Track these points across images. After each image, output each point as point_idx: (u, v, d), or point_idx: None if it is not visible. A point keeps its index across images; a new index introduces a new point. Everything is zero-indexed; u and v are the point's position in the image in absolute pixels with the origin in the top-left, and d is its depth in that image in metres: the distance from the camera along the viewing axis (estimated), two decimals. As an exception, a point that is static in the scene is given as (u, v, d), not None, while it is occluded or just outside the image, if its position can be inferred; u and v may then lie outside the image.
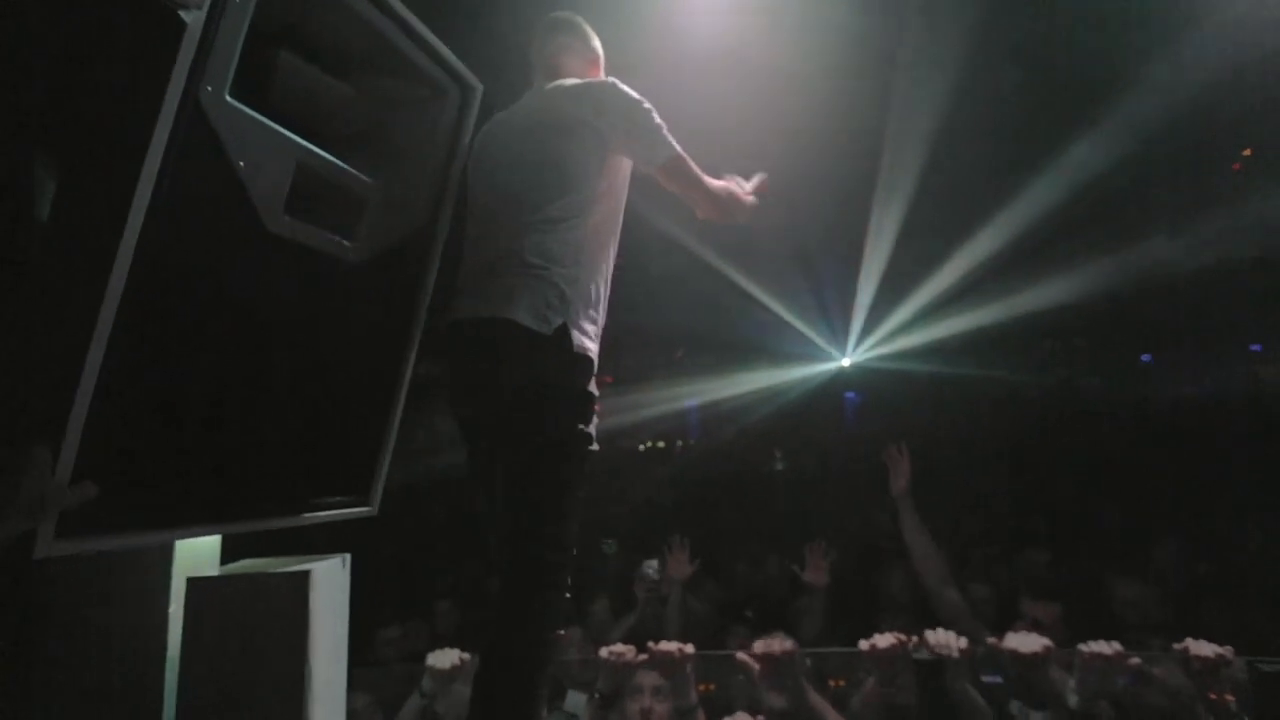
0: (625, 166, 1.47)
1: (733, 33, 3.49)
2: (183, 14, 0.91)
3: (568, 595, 1.23)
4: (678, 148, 1.42)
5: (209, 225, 1.04)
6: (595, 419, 1.32)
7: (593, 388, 1.33)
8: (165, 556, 1.28)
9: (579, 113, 1.39)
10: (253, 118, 1.06)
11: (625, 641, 2.18)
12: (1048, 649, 1.69)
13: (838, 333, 8.02)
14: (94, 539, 0.94)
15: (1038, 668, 1.69)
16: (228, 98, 1.02)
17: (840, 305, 7.14)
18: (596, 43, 1.66)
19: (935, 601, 2.37)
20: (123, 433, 0.96)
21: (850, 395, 9.97)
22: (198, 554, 1.39)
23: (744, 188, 1.58)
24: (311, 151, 1.18)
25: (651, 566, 2.95)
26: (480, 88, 1.55)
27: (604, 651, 1.81)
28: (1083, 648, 1.68)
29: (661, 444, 9.64)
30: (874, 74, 3.68)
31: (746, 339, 8.45)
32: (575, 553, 1.25)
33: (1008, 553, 3.57)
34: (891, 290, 6.42)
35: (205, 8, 0.95)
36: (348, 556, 1.44)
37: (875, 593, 2.96)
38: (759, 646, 1.88)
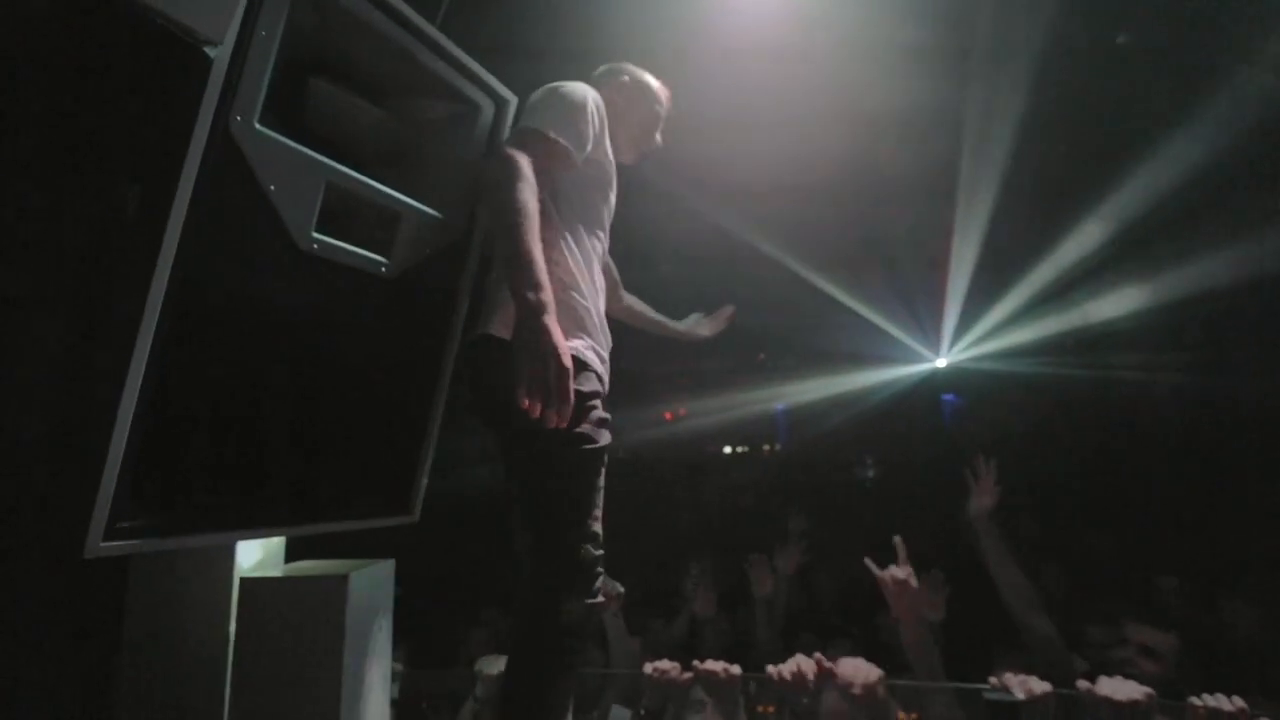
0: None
1: (799, 20, 3.36)
2: (207, 50, 0.97)
3: (580, 599, 1.19)
4: (544, 126, 1.30)
5: (242, 246, 1.10)
6: (591, 414, 1.26)
7: (580, 384, 1.24)
8: (228, 557, 1.37)
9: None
10: (282, 143, 1.12)
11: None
12: (1149, 697, 1.47)
13: (929, 332, 7.57)
14: (139, 541, 1.01)
15: (1136, 720, 1.46)
16: (257, 125, 1.07)
17: (930, 303, 6.72)
18: (630, 75, 1.69)
19: (1024, 634, 2.13)
20: (161, 441, 1.03)
21: (948, 398, 9.38)
22: (262, 555, 1.48)
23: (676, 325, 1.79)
24: (342, 172, 1.22)
25: (697, 567, 2.87)
26: (514, 100, 1.56)
27: (649, 667, 1.76)
28: (1196, 700, 1.45)
29: (744, 449, 9.45)
30: (956, 55, 3.42)
31: (831, 342, 8.15)
32: (586, 552, 1.21)
33: (1125, 578, 3.19)
34: (988, 285, 5.96)
35: (232, 41, 1.01)
36: (392, 561, 1.49)
37: (981, 618, 2.71)
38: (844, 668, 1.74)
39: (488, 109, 1.52)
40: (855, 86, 3.53)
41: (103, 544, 0.96)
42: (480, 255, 1.52)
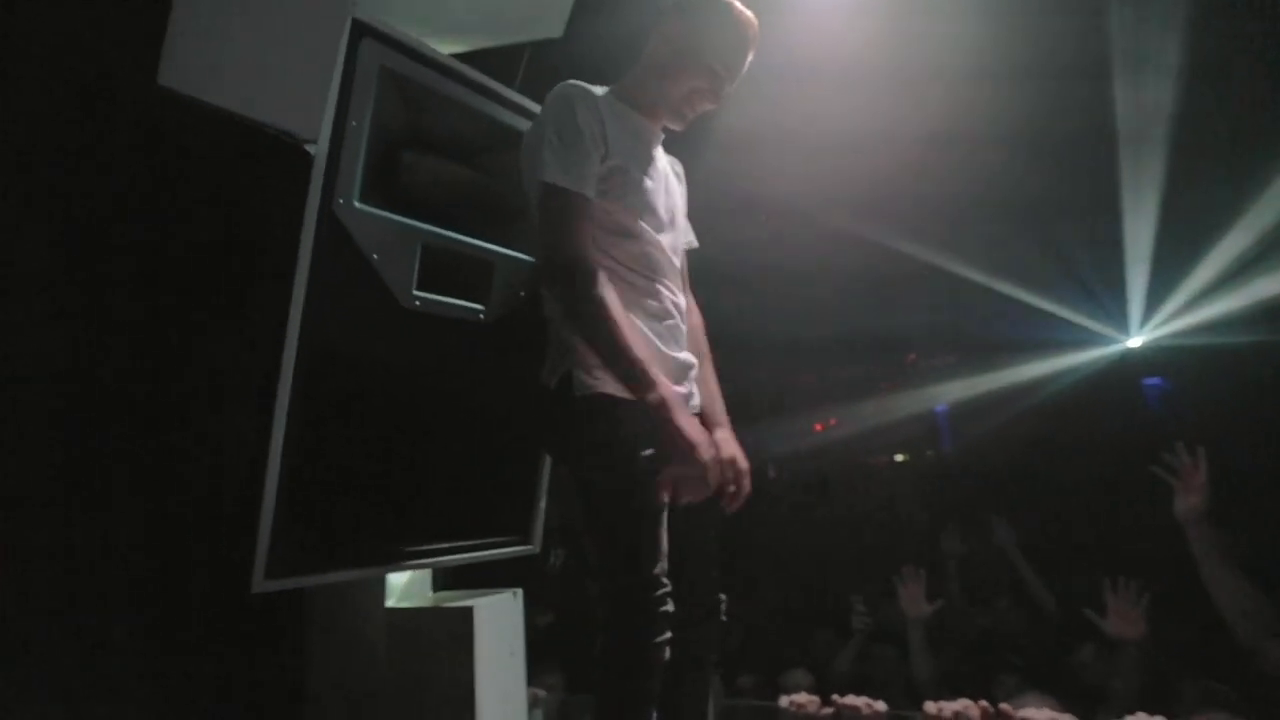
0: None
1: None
2: (307, 147, 1.12)
3: (639, 642, 1.13)
4: (554, 177, 1.17)
5: (356, 310, 1.24)
6: (629, 455, 1.16)
7: (619, 423, 1.17)
8: (377, 589, 1.52)
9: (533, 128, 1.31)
10: (380, 216, 1.26)
11: (852, 683, 1.98)
12: None
13: (1111, 308, 6.57)
14: (295, 578, 1.15)
15: None
16: (357, 204, 1.21)
17: (1106, 275, 5.84)
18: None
19: (1257, 661, 1.74)
20: (307, 487, 1.17)
21: (1152, 382, 8.05)
22: (410, 586, 1.63)
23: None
24: (435, 233, 1.34)
25: (859, 601, 2.66)
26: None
27: (784, 700, 1.67)
28: None
29: (902, 456, 8.78)
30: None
31: (990, 334, 7.38)
32: (641, 577, 1.13)
33: None
34: (1181, 241, 5.05)
35: (328, 136, 1.16)
36: (519, 590, 1.57)
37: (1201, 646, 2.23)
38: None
39: (566, 151, 1.60)
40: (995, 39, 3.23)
41: (266, 580, 1.11)
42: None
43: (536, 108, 1.55)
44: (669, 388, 1.13)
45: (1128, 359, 7.44)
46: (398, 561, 1.37)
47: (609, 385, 1.19)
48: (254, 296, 1.22)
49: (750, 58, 1.33)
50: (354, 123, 1.21)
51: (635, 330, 1.17)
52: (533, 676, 2.53)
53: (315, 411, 1.18)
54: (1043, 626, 2.88)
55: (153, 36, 0.93)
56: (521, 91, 1.60)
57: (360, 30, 1.22)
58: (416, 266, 1.31)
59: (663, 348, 1.26)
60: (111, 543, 1.19)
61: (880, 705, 1.57)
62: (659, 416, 1.11)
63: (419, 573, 1.66)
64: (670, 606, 1.15)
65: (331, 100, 1.16)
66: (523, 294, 1.50)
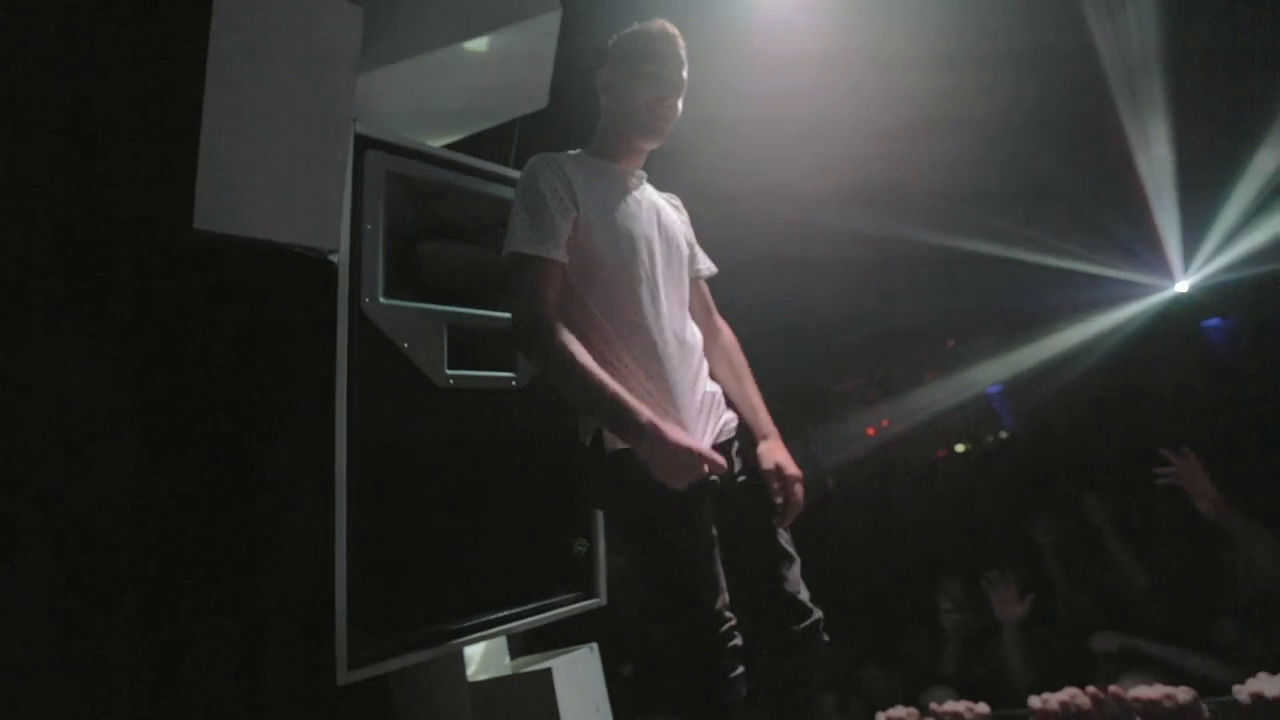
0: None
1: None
2: (331, 257, 1.21)
3: (715, 679, 1.11)
4: (517, 246, 1.19)
5: (396, 397, 1.31)
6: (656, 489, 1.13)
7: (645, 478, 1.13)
8: (457, 664, 1.54)
9: None
10: (405, 307, 1.33)
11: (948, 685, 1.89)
12: None
13: (1150, 255, 6.33)
14: (376, 665, 1.19)
15: None
16: (382, 300, 1.30)
17: (1134, 223, 5.65)
18: (617, 41, 1.38)
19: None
20: (378, 575, 1.22)
21: (1214, 322, 7.68)
22: (487, 656, 1.65)
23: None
24: (458, 313, 1.42)
25: (950, 595, 2.56)
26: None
27: (881, 717, 1.61)
28: None
29: (963, 446, 8.49)
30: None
31: (1029, 305, 7.18)
32: (702, 613, 1.13)
33: None
34: (1207, 173, 4.86)
35: (347, 244, 1.25)
36: (595, 645, 1.58)
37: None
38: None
39: (568, 213, 1.67)
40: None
41: (350, 671, 1.15)
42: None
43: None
44: (649, 413, 1.10)
45: (1179, 304, 7.14)
46: (470, 634, 1.40)
47: None
48: (301, 403, 1.30)
49: (682, 53, 1.34)
50: (369, 226, 1.30)
51: (596, 372, 1.14)
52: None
53: (371, 500, 1.23)
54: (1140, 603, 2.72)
55: (177, 179, 1.03)
56: (517, 164, 1.69)
57: (364, 143, 1.32)
58: (445, 347, 1.38)
59: (654, 382, 1.23)
60: (194, 656, 1.25)
61: (982, 708, 1.50)
62: (651, 438, 1.08)
63: (494, 643, 1.68)
64: (738, 640, 1.14)
65: (347, 210, 1.25)
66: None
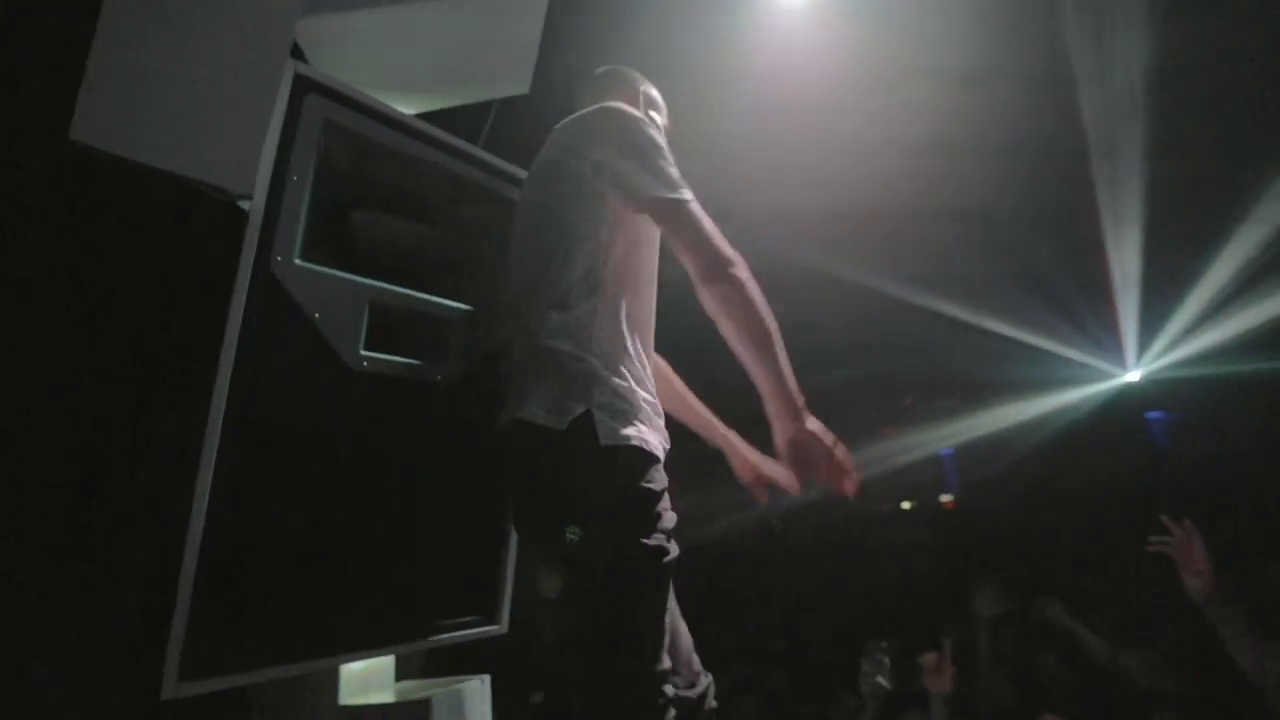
0: (599, 211, 1.19)
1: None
2: (241, 203, 1.06)
3: None
4: (679, 186, 1.14)
5: (297, 373, 1.15)
6: (663, 519, 1.06)
7: (651, 481, 1.07)
8: (329, 684, 1.37)
9: (568, 147, 1.21)
10: (324, 273, 1.18)
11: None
12: None
13: (1105, 343, 6.53)
14: (215, 679, 1.02)
15: None
16: (298, 261, 1.14)
17: (1096, 308, 5.82)
18: (644, 85, 1.47)
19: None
20: (233, 572, 1.05)
21: (1154, 415, 7.94)
22: (368, 677, 1.47)
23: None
24: (385, 289, 1.27)
25: (878, 650, 2.46)
26: (552, 189, 1.58)
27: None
28: None
29: (908, 504, 8.55)
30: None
31: (988, 373, 7.31)
32: (660, 689, 1.00)
33: None
34: (1172, 269, 5.03)
35: (265, 192, 1.10)
36: (487, 677, 1.42)
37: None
38: None
39: (528, 203, 1.55)
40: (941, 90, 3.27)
41: (180, 683, 0.98)
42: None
43: (498, 162, 1.52)
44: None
45: (1128, 393, 7.36)
46: (343, 652, 1.23)
47: (646, 436, 1.08)
48: (186, 363, 1.13)
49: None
50: (295, 178, 1.15)
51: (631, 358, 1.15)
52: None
53: (246, 485, 1.07)
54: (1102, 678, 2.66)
55: (69, 90, 0.87)
56: (489, 146, 1.57)
57: (304, 85, 1.18)
58: (365, 325, 1.23)
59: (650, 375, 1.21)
60: (20, 649, 1.06)
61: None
62: (806, 415, 1.09)
63: (382, 663, 1.51)
64: (677, 704, 1.02)
65: (269, 155, 1.11)
66: (482, 349, 1.42)
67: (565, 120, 1.28)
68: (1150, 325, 5.90)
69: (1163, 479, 6.33)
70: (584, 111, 1.26)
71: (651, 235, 1.24)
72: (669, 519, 1.08)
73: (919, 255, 4.83)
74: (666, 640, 1.06)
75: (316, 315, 1.16)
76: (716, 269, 1.11)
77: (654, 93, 1.50)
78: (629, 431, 1.07)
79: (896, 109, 3.29)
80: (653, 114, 1.44)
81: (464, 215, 1.50)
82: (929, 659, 2.30)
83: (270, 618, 1.10)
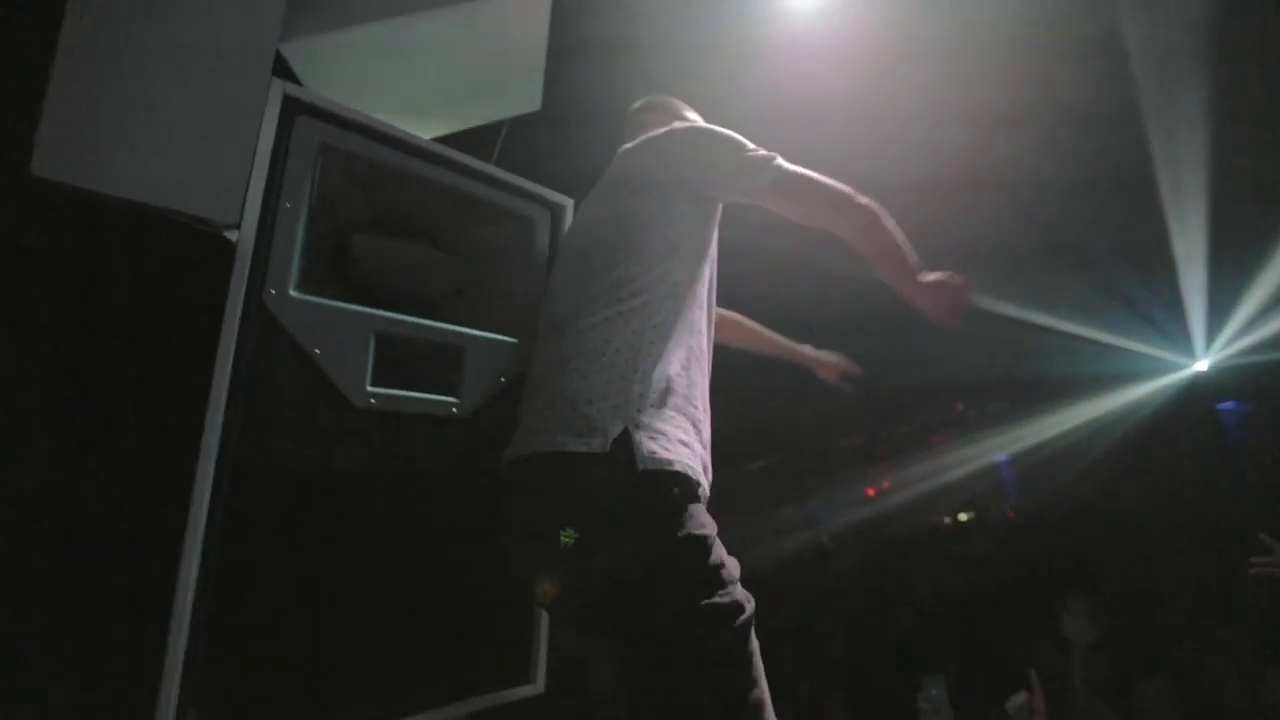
0: (699, 221, 1.19)
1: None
2: (227, 234, 0.97)
3: None
4: (779, 160, 1.17)
5: (296, 414, 1.05)
6: (725, 570, 0.91)
7: (697, 526, 0.92)
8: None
9: (638, 166, 1.21)
10: (322, 304, 1.09)
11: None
12: None
13: (1173, 332, 6.11)
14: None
15: None
16: (293, 293, 1.05)
17: (1162, 296, 5.44)
18: (691, 113, 1.49)
19: None
20: (233, 643, 0.94)
21: (1228, 405, 7.40)
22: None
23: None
24: (391, 319, 1.16)
25: (936, 685, 2.23)
26: (569, 202, 1.48)
27: None
28: None
29: (966, 516, 8.11)
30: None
31: (1044, 373, 6.92)
32: None
33: None
34: (1239, 254, 4.68)
35: (255, 221, 1.01)
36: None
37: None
38: None
39: (542, 219, 1.44)
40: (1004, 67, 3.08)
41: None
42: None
43: (510, 178, 1.42)
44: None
45: (1198, 383, 6.88)
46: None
47: (678, 460, 0.95)
48: (168, 409, 1.04)
49: None
50: (288, 205, 1.06)
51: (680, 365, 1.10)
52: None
53: (242, 540, 0.97)
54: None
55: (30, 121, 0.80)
56: (500, 162, 1.47)
57: (295, 107, 1.10)
58: (370, 359, 1.13)
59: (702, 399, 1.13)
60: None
61: None
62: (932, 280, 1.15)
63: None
64: None
65: (259, 182, 1.02)
66: (503, 380, 1.30)
67: (638, 142, 1.26)
68: (1219, 311, 5.50)
69: (1242, 477, 5.86)
70: (656, 134, 1.25)
71: (710, 257, 1.23)
72: (729, 569, 0.93)
73: (961, 245, 4.58)
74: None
75: (317, 351, 1.06)
76: (849, 210, 1.15)
77: (697, 118, 1.48)
78: (667, 452, 0.95)
79: (937, 81, 3.11)
80: None
81: (477, 236, 1.40)
82: (1018, 703, 2.06)
83: (273, 692, 0.99)
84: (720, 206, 1.24)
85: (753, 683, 0.88)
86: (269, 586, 1.00)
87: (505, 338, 1.32)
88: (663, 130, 1.25)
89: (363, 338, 1.13)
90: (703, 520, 0.95)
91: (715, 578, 0.90)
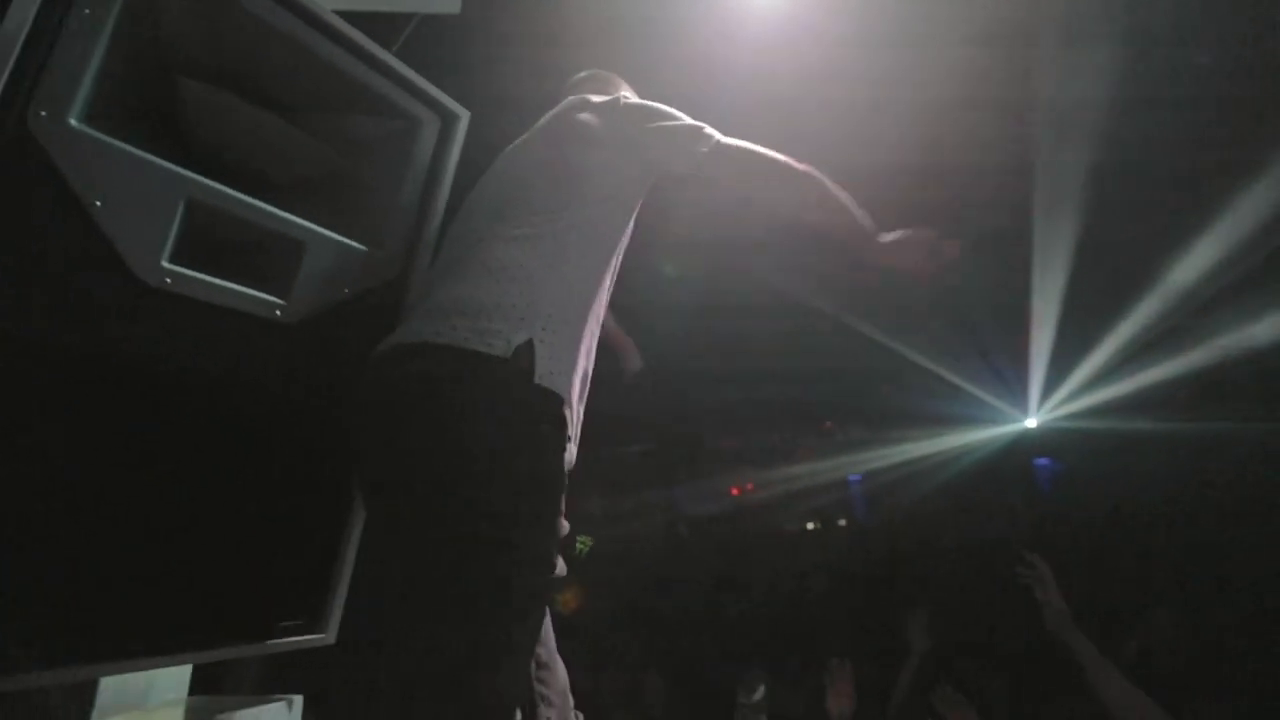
0: (636, 185, 1.20)
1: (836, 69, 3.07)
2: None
3: None
4: (716, 133, 1.17)
5: (58, 280, 0.83)
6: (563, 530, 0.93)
7: (560, 464, 0.93)
8: (86, 697, 1.04)
9: (589, 120, 1.19)
10: (117, 148, 0.87)
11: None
12: None
13: (1014, 389, 6.80)
14: None
15: None
16: (72, 122, 0.83)
17: (1012, 355, 6.03)
18: (625, 89, 1.48)
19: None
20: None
21: (1042, 462, 8.38)
22: (163, 687, 1.15)
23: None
24: (211, 188, 0.96)
25: (757, 690, 2.31)
26: (465, 115, 1.32)
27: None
28: None
29: (813, 525, 8.66)
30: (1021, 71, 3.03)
31: (902, 406, 7.48)
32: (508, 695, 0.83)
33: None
34: (1083, 330, 5.26)
35: (28, 19, 0.78)
36: (299, 699, 1.13)
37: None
38: None
39: (430, 125, 1.27)
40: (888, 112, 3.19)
41: None
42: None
43: (407, 72, 1.24)
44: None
45: (1025, 438, 7.72)
46: (103, 660, 0.92)
47: (563, 388, 0.95)
48: None
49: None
50: (87, 10, 0.84)
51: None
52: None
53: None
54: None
55: None
56: (401, 55, 1.28)
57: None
58: (175, 230, 0.92)
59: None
60: None
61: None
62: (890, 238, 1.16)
63: (174, 671, 1.18)
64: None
65: (41, -29, 0.79)
66: (346, 291, 1.13)
67: (588, 99, 1.24)
68: (1058, 371, 6.15)
69: (1038, 522, 6.66)
70: (607, 98, 1.23)
71: (628, 201, 1.21)
72: (563, 531, 0.95)
73: (858, 279, 4.80)
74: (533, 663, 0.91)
75: (97, 203, 0.85)
76: (793, 177, 1.15)
77: (633, 97, 1.42)
78: (557, 376, 0.95)
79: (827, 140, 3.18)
80: None
81: (348, 126, 1.20)
82: (835, 673, 2.18)
83: (8, 615, 0.78)
84: (651, 180, 1.23)
85: (534, 634, 0.88)
86: (8, 494, 0.79)
87: (356, 244, 1.15)
88: (611, 97, 1.24)
89: (169, 201, 0.92)
90: (566, 461, 0.96)
91: (552, 522, 0.90)
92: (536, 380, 0.92)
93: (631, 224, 1.23)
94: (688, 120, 1.19)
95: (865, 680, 2.48)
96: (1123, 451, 6.44)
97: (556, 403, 0.94)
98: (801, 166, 1.15)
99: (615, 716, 3.42)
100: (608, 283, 1.16)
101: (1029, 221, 3.75)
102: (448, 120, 1.30)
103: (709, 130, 1.17)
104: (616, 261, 1.19)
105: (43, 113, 0.80)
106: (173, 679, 1.16)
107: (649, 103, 1.23)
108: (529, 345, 0.92)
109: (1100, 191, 3.56)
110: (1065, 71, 2.83)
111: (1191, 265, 4.26)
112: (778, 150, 1.17)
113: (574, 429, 1.02)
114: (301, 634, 1.09)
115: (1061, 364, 6.00)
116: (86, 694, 1.02)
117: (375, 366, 1.00)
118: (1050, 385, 6.62)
